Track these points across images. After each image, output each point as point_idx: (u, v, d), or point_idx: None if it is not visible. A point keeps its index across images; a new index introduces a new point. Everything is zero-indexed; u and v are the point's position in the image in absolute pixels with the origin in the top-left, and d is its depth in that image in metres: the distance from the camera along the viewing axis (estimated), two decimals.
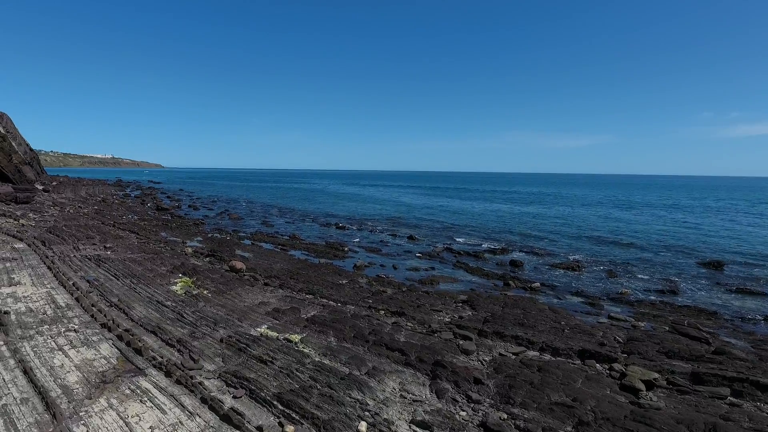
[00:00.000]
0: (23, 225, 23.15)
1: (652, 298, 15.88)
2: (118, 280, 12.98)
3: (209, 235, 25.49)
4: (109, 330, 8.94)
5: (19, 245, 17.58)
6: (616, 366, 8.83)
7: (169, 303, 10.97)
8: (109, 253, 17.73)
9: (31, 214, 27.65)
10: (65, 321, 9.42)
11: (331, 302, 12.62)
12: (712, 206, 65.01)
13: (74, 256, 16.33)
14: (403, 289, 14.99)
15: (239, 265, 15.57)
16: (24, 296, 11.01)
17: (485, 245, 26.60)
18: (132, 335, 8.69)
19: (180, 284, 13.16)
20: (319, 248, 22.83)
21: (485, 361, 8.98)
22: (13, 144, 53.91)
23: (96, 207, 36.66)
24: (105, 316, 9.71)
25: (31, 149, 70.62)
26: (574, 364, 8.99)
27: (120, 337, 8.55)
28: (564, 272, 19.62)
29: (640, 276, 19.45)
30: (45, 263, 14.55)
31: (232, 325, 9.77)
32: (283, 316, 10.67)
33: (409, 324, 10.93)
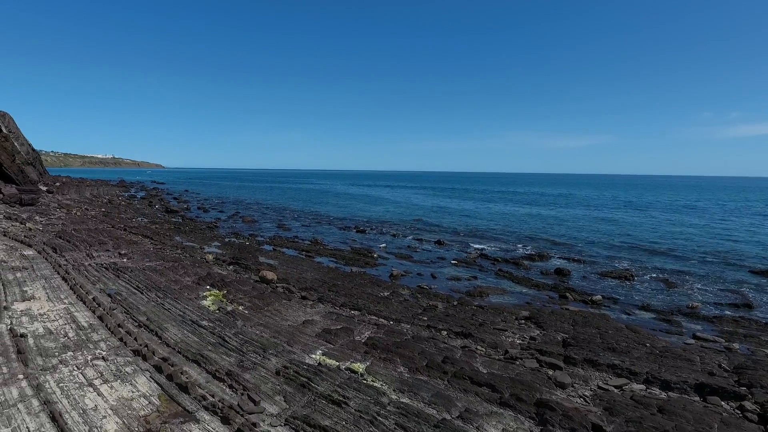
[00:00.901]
0: (30, 229, 22.11)
1: (728, 313, 14.51)
2: (142, 293, 11.81)
3: (226, 240, 24.35)
4: (144, 358, 7.75)
5: (29, 252, 16.49)
6: (747, 404, 7.53)
7: (204, 323, 9.78)
8: (125, 260, 16.60)
9: (37, 217, 26.66)
10: (91, 346, 8.24)
11: (381, 320, 11.39)
12: (729, 207, 63.47)
13: (89, 264, 15.21)
14: (453, 302, 13.73)
15: (270, 275, 14.38)
16: (40, 314, 9.86)
17: (519, 251, 25.29)
18: (172, 365, 7.49)
19: (210, 298, 11.97)
20: (346, 255, 21.61)
21: (586, 397, 7.70)
22: (16, 144, 53.30)
23: (103, 209, 35.69)
24: (136, 340, 8.52)
25: (33, 149, 70.11)
26: (694, 401, 7.69)
27: (158, 369, 7.35)
28: (617, 282, 18.28)
29: (699, 287, 18.08)
30: (59, 273, 13.42)
31: (282, 350, 8.55)
32: (336, 339, 9.44)
33: (479, 348, 9.67)
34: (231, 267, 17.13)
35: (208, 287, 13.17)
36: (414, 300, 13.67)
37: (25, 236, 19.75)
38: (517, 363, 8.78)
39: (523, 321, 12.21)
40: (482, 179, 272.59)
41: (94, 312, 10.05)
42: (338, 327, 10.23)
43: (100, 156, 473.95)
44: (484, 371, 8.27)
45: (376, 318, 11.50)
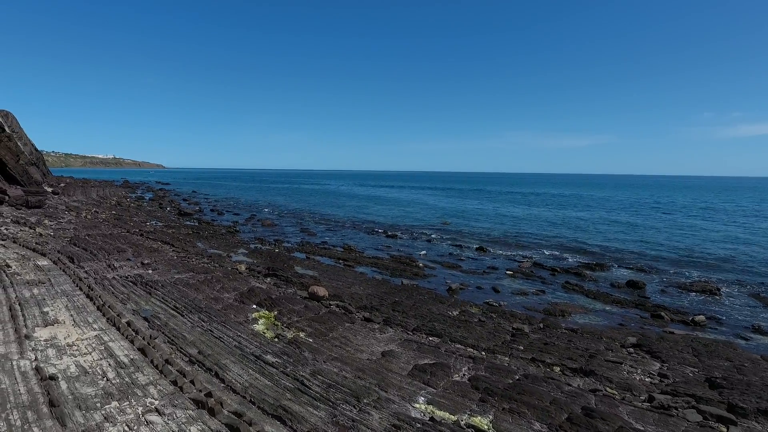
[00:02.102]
0: (41, 235, 20.71)
1: None
2: (182, 316, 10.24)
3: (252, 247, 22.82)
4: (211, 413, 6.14)
5: (43, 262, 15.02)
6: None
7: (269, 357, 8.15)
8: (150, 271, 15.09)
9: (46, 221, 25.32)
10: (139, 393, 6.65)
11: (470, 349, 9.72)
12: (751, 208, 61.34)
13: (112, 277, 13.70)
14: (537, 324, 12.04)
15: (321, 291, 12.76)
16: (68, 344, 8.30)
17: (569, 259, 23.51)
18: (250, 424, 5.87)
19: (262, 321, 10.38)
20: (388, 263, 19.97)
21: None
22: (19, 144, 52.40)
23: (113, 212, 34.40)
24: (193, 383, 6.92)
25: (36, 149, 69.36)
26: None
27: (233, 429, 5.74)
28: (703, 297, 16.47)
29: None
30: (81, 289, 11.90)
31: (378, 398, 6.90)
32: (434, 378, 7.79)
33: (610, 390, 7.97)
34: (269, 279, 15.55)
35: (254, 306, 11.58)
36: (491, 321, 11.99)
37: (36, 243, 18.33)
38: (676, 415, 7.06)
39: (631, 349, 10.49)
40: (487, 179, 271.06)
41: (132, 342, 8.48)
42: (427, 362, 8.57)
43: (101, 156, 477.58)
44: (640, 428, 6.58)
45: (463, 347, 9.82)
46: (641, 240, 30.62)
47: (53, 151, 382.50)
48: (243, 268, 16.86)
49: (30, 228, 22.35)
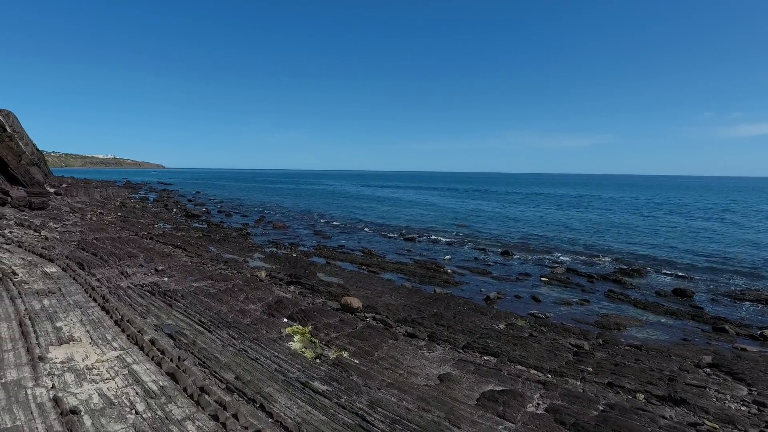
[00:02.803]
0: (47, 238, 19.91)
1: None
2: (210, 332, 9.35)
3: (267, 251, 21.96)
4: None
5: (52, 269, 14.18)
6: None
7: (316, 384, 7.25)
8: (166, 279, 14.24)
9: (51, 224, 24.55)
10: (175, 430, 5.76)
11: (534, 371, 8.78)
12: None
13: (126, 286, 12.84)
14: (597, 340, 11.09)
15: (355, 302, 11.85)
16: (87, 367, 7.43)
17: (601, 264, 22.50)
18: None
19: (297, 338, 9.48)
20: (413, 269, 19.05)
21: None
22: (20, 144, 51.85)
23: (119, 213, 33.66)
24: (237, 419, 6.02)
25: (37, 149, 68.90)
26: None
27: None
28: (761, 307, 15.44)
29: None
30: (95, 300, 11.04)
31: None
32: (509, 410, 6.86)
33: (711, 424, 7.01)
34: (293, 288, 14.66)
35: (285, 320, 10.69)
36: (543, 336, 11.05)
37: (42, 248, 17.52)
38: None
39: (709, 370, 9.53)
40: (488, 179, 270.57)
41: (159, 365, 7.59)
42: (493, 388, 7.65)
43: (101, 156, 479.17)
44: None
45: (525, 369, 8.89)
46: (669, 245, 29.52)
47: (53, 151, 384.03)
48: (263, 274, 15.99)
49: (35, 231, 21.57)
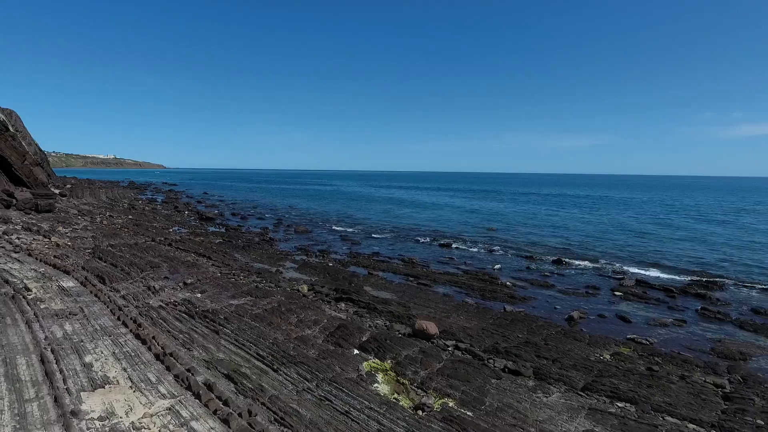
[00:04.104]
0: (58, 245, 18.46)
1: None
2: (274, 371, 7.71)
3: (298, 259, 20.37)
4: None
5: (68, 283, 12.66)
6: None
7: None
8: (199, 295, 12.67)
9: (61, 228, 23.14)
10: None
11: (689, 424, 7.06)
12: None
13: (158, 305, 11.28)
14: (732, 376, 9.32)
15: (432, 328, 10.17)
16: (134, 427, 5.82)
17: (667, 274, 20.61)
18: None
19: (381, 377, 7.84)
20: (466, 281, 17.34)
21: None
22: (23, 143, 50.84)
23: (130, 216, 32.26)
24: None
25: (40, 149, 68.01)
26: None
27: None
28: None
29: None
30: (126, 324, 9.46)
31: None
32: None
33: None
34: (343, 305, 13.03)
35: (356, 352, 9.03)
36: (663, 370, 9.29)
37: (55, 256, 16.06)
38: None
39: None
40: (493, 180, 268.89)
41: (227, 424, 5.96)
42: None
43: (101, 156, 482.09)
44: None
45: (680, 421, 7.16)
46: (726, 255, 27.52)
47: (54, 151, 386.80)
48: (305, 289, 14.37)
49: (44, 236, 20.14)
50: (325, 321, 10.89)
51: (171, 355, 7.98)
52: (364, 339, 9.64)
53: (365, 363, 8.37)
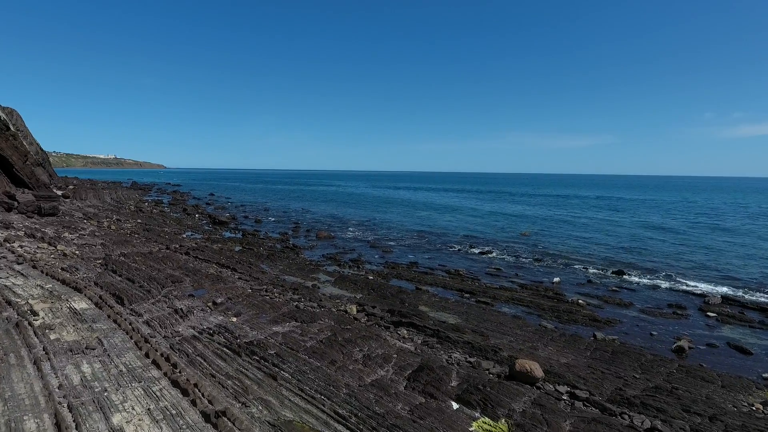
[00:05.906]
0: (65, 255, 16.86)
1: None
2: None
3: (330, 270, 18.65)
4: None
5: (81, 304, 10.98)
6: None
7: None
8: (234, 319, 10.94)
9: (66, 234, 21.58)
10: None
11: None
12: None
13: (190, 334, 9.56)
14: None
15: (537, 370, 8.32)
16: None
17: (741, 289, 18.59)
18: None
19: None
20: (531, 299, 15.45)
21: None
22: (24, 143, 49.70)
23: (138, 220, 30.73)
24: None
25: (41, 149, 67.00)
26: None
27: None
28: None
29: None
30: (157, 365, 7.72)
31: None
32: None
33: None
34: (405, 331, 11.21)
35: (453, 404, 7.23)
36: None
37: (63, 269, 14.42)
38: None
39: None
40: (498, 180, 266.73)
41: None
42: None
43: (102, 156, 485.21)
44: None
45: None
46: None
47: (54, 151, 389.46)
48: (354, 310, 12.59)
49: (49, 244, 18.56)
50: (395, 357, 9.10)
51: (224, 414, 6.22)
52: (454, 384, 7.84)
53: (474, 424, 6.57)
